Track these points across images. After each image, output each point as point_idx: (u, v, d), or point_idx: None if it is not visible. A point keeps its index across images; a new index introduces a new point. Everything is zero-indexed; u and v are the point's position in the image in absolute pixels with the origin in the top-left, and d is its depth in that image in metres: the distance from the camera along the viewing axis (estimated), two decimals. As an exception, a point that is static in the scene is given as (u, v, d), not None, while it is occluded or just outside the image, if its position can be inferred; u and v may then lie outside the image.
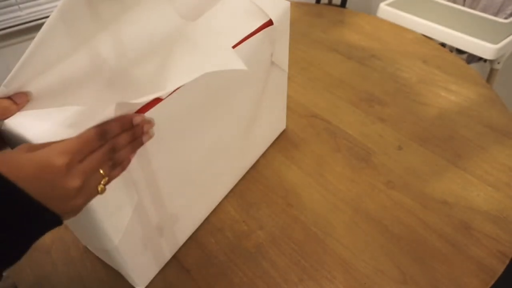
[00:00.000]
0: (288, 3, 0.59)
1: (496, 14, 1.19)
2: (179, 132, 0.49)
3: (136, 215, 0.48)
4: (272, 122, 0.72)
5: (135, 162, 0.44)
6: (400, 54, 0.99)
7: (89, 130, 0.35)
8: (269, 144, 0.75)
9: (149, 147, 0.45)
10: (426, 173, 0.69)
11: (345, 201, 0.65)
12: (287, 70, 0.67)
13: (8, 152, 0.33)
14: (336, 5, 1.51)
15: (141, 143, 0.41)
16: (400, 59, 0.98)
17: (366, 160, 0.71)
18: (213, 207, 0.64)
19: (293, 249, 0.58)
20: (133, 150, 0.40)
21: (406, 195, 0.65)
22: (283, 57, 0.64)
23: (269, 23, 0.56)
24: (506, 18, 1.16)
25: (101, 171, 0.36)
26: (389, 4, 1.22)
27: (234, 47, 0.50)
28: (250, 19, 0.55)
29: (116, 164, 0.38)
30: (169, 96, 0.44)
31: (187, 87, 0.46)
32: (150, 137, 0.41)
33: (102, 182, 0.37)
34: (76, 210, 0.36)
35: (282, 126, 0.78)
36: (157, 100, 0.43)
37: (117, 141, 0.38)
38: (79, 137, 0.35)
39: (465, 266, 0.55)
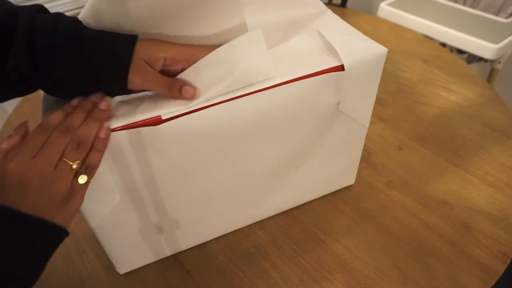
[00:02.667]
0: (384, 51, 0.50)
1: (496, 14, 1.19)
2: (206, 151, 0.47)
3: (131, 209, 0.49)
4: (332, 174, 0.63)
5: (135, 163, 0.44)
6: (400, 54, 0.99)
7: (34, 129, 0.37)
8: (325, 193, 0.65)
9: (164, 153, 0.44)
10: (426, 173, 0.69)
11: (345, 201, 0.65)
12: (367, 125, 0.58)
13: None
14: (336, 5, 1.51)
15: (101, 110, 0.40)
16: (400, 59, 0.98)
17: (366, 160, 0.71)
18: (231, 230, 0.61)
19: (293, 249, 0.58)
20: (94, 122, 0.39)
21: (406, 195, 0.65)
22: (359, 109, 0.55)
23: (339, 68, 0.48)
24: (506, 18, 1.16)
25: (64, 159, 0.36)
26: (389, 4, 1.22)
27: (285, 83, 0.46)
28: (321, 59, 0.48)
29: (81, 144, 0.37)
30: (212, 109, 0.43)
31: (238, 108, 0.45)
32: (108, 104, 0.41)
33: (73, 167, 0.36)
34: (62, 206, 0.36)
35: (348, 181, 0.67)
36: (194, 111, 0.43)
37: (69, 122, 0.38)
38: (10, 137, 0.36)
39: (465, 266, 0.55)
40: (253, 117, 0.47)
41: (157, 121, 0.42)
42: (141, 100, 0.43)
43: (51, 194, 0.35)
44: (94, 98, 0.41)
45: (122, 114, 0.41)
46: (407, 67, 0.95)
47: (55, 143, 0.36)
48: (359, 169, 0.65)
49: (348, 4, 1.54)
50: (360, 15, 1.17)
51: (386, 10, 1.22)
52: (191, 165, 0.48)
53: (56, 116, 0.38)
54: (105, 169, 0.42)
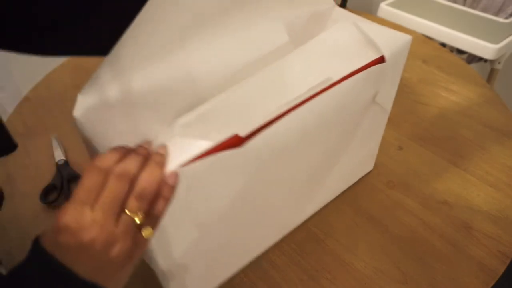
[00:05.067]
0: (409, 38, 0.50)
1: (496, 14, 1.19)
2: (278, 165, 0.45)
3: (202, 244, 0.45)
4: (358, 162, 0.62)
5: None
6: (400, 54, 0.99)
7: (84, 173, 0.31)
8: (349, 184, 0.65)
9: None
10: (426, 173, 0.69)
11: (345, 201, 0.65)
12: (389, 110, 0.58)
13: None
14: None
15: (160, 155, 0.34)
16: (400, 59, 0.98)
17: (366, 160, 0.71)
18: (273, 242, 0.58)
19: (293, 249, 0.58)
20: (156, 166, 0.33)
21: (406, 195, 0.65)
22: (389, 96, 0.56)
23: (380, 60, 0.47)
24: (506, 18, 1.16)
25: (127, 211, 0.31)
26: (389, 4, 1.22)
27: (334, 84, 0.44)
28: (358, 53, 0.47)
29: (146, 193, 0.32)
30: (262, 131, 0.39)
31: (282, 124, 0.41)
32: (166, 149, 0.35)
33: (137, 221, 0.31)
34: (121, 268, 0.31)
35: (369, 167, 0.67)
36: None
37: (127, 166, 0.32)
38: (77, 188, 0.30)
39: (465, 266, 0.55)
40: (314, 120, 0.44)
41: (236, 141, 0.37)
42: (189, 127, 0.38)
43: (112, 257, 0.30)
44: (146, 145, 0.36)
45: (188, 143, 0.36)
46: (407, 67, 0.95)
47: (115, 191, 0.30)
48: (359, 169, 0.65)
49: (348, 4, 1.54)
50: (360, 15, 1.17)
51: (386, 10, 1.22)
52: (263, 184, 0.45)
53: (110, 157, 0.32)
54: (179, 206, 0.37)
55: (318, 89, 0.43)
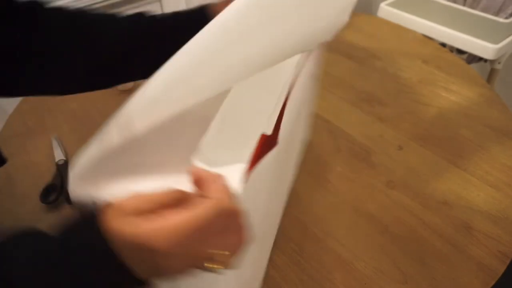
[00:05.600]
0: None
1: (496, 14, 1.19)
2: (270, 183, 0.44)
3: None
4: (303, 133, 0.65)
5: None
6: (400, 54, 0.99)
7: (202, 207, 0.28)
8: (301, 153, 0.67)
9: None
10: (426, 173, 0.69)
11: (345, 201, 0.65)
12: (319, 78, 0.61)
13: (113, 212, 0.28)
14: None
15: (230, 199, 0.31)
16: (400, 59, 0.98)
17: (366, 160, 0.71)
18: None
19: (293, 249, 0.58)
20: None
21: (406, 195, 0.65)
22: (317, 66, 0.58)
23: None
24: (506, 18, 1.16)
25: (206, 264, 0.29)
26: (389, 4, 1.22)
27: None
28: None
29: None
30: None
31: (287, 113, 0.40)
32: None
33: (215, 265, 0.30)
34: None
35: (308, 136, 0.70)
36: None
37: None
38: (194, 216, 0.27)
39: (465, 266, 0.55)
40: (300, 100, 0.46)
41: (267, 140, 0.36)
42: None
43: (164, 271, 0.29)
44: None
45: (230, 160, 0.36)
46: (407, 67, 0.95)
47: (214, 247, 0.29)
48: (359, 169, 0.65)
49: (348, 4, 1.53)
50: (360, 15, 1.17)
51: (386, 10, 1.22)
52: (282, 174, 0.45)
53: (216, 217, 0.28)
54: None
55: (297, 72, 0.43)
